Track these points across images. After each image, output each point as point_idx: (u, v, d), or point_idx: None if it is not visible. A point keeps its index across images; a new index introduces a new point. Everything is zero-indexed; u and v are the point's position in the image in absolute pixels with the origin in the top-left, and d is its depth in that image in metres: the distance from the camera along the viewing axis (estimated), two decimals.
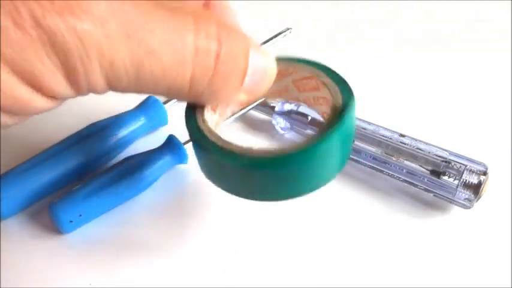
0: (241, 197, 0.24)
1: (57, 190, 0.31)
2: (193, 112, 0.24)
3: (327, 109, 0.25)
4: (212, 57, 0.19)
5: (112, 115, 0.33)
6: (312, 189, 0.23)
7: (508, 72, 0.42)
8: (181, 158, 0.31)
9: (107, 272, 0.27)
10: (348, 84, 0.24)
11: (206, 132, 0.23)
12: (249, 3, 0.51)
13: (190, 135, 0.23)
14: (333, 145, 0.22)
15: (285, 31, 0.40)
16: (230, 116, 0.27)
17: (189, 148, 0.32)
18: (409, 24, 0.48)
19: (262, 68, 0.22)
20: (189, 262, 0.28)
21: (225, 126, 0.32)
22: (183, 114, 0.24)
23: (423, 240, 0.29)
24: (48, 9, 0.15)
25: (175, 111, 0.36)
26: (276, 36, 0.40)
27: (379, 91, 0.40)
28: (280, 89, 0.26)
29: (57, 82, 0.17)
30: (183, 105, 0.39)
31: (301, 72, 0.25)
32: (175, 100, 0.35)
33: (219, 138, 0.22)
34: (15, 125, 0.18)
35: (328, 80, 0.24)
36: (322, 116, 0.26)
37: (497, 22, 0.49)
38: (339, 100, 0.23)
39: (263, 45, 0.39)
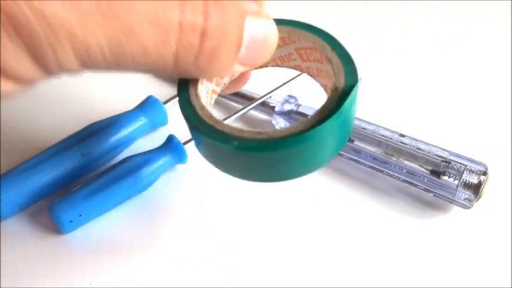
0: (232, 175, 0.23)
1: (57, 190, 0.31)
2: (186, 83, 0.22)
3: (328, 83, 0.24)
4: (197, 34, 0.17)
5: (112, 115, 0.33)
6: (305, 173, 0.22)
7: (508, 72, 0.42)
8: (181, 157, 0.31)
9: (107, 272, 0.27)
10: (353, 64, 0.22)
11: (198, 110, 0.22)
12: None
13: (182, 110, 0.22)
14: (328, 133, 0.20)
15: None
16: (228, 87, 0.26)
17: (189, 148, 0.32)
18: (409, 25, 0.48)
19: (261, 37, 0.20)
20: (189, 261, 0.28)
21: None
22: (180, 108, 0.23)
23: (423, 240, 0.29)
24: None
25: (175, 111, 0.36)
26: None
27: (379, 91, 0.40)
28: (281, 55, 0.25)
29: (23, 65, 0.16)
30: None
31: (305, 42, 0.24)
32: (175, 101, 0.35)
33: (211, 116, 0.21)
34: None
35: (333, 55, 0.23)
36: (324, 89, 0.25)
37: (497, 22, 0.49)
38: (341, 81, 0.21)
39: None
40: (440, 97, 0.40)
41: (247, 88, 0.37)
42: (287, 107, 0.34)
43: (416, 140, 0.31)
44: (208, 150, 0.22)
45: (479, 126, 0.37)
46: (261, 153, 0.20)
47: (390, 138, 0.31)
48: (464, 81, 0.41)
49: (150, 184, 0.30)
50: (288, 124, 0.34)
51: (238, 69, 0.21)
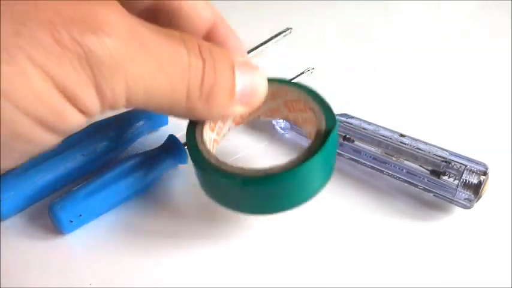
0: (236, 210, 0.27)
1: (57, 190, 0.31)
2: (193, 132, 0.27)
3: (312, 130, 0.27)
4: (199, 71, 0.22)
5: (112, 115, 0.33)
6: (299, 204, 0.26)
7: (508, 72, 0.42)
8: (181, 158, 0.31)
9: (107, 272, 0.27)
10: (332, 111, 0.27)
11: (205, 154, 0.26)
12: (249, 3, 0.51)
13: (191, 155, 0.26)
14: (315, 167, 0.25)
15: (285, 31, 0.41)
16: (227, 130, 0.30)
17: None
18: (409, 25, 0.49)
19: (251, 81, 0.25)
20: (188, 262, 0.28)
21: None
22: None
23: (423, 240, 0.29)
24: (84, 29, 0.18)
25: None
26: (276, 36, 0.40)
27: (379, 91, 0.40)
28: (273, 107, 0.30)
29: (89, 94, 0.19)
30: None
31: (291, 95, 0.29)
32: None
33: (216, 159, 0.25)
34: (51, 145, 0.19)
35: (314, 105, 0.27)
36: (308, 136, 0.29)
37: (497, 22, 0.49)
38: (323, 125, 0.26)
39: (266, 46, 0.39)
40: (441, 97, 0.40)
41: None
42: None
43: (416, 140, 0.31)
44: (214, 187, 0.26)
45: (479, 126, 0.37)
46: (261, 187, 0.24)
47: (390, 138, 0.31)
48: (464, 81, 0.42)
49: (150, 184, 0.30)
50: (288, 124, 0.34)
51: (238, 109, 0.25)
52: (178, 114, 0.24)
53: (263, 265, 0.28)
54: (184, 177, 0.32)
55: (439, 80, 0.42)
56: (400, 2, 0.51)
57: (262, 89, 0.26)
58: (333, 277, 0.27)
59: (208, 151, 0.26)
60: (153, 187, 0.31)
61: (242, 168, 0.25)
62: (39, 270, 0.27)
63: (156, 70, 0.20)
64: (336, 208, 0.31)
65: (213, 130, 0.28)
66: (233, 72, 0.24)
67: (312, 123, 0.27)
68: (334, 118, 0.26)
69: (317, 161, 0.24)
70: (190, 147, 0.26)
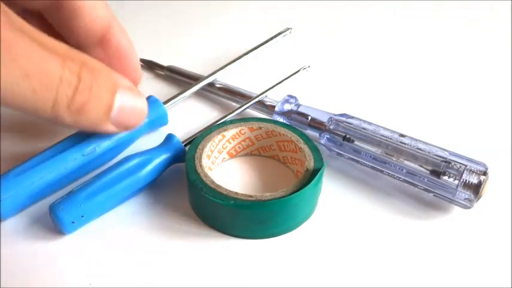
0: (226, 233, 0.29)
1: (57, 190, 0.31)
2: (193, 157, 0.30)
3: (300, 169, 0.31)
4: (71, 88, 0.24)
5: None
6: (284, 231, 0.29)
7: (508, 72, 0.42)
8: (181, 156, 0.31)
9: (107, 272, 0.27)
10: (319, 153, 0.30)
11: (202, 176, 0.29)
12: (249, 3, 0.51)
13: (189, 176, 0.29)
14: (302, 199, 0.28)
15: (285, 31, 0.41)
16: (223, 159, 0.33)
17: (188, 147, 0.32)
18: (409, 24, 0.49)
19: (130, 106, 0.27)
20: (188, 262, 0.28)
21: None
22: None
23: (423, 240, 0.29)
24: None
25: (175, 111, 0.36)
26: (276, 36, 0.40)
27: (379, 91, 0.40)
28: (265, 145, 0.33)
29: None
30: (183, 105, 0.39)
31: (284, 136, 0.32)
32: (175, 101, 0.35)
33: (212, 181, 0.28)
34: None
35: (304, 146, 0.30)
36: (296, 174, 0.32)
37: (497, 22, 0.49)
38: (311, 165, 0.29)
39: (265, 46, 0.39)
40: (441, 97, 0.40)
41: (246, 87, 0.37)
42: (287, 106, 0.34)
43: (416, 140, 0.31)
44: (207, 208, 0.29)
45: (479, 126, 0.37)
46: (250, 211, 0.27)
47: (390, 138, 0.31)
48: (464, 81, 0.42)
49: (149, 183, 0.30)
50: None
51: (112, 129, 0.27)
52: (45, 119, 0.25)
53: (263, 264, 0.28)
54: (183, 175, 0.32)
55: (438, 80, 0.42)
56: (401, 2, 0.51)
57: (141, 115, 0.28)
58: (332, 276, 0.27)
59: (205, 174, 0.29)
60: (152, 186, 0.31)
61: (236, 193, 0.28)
62: (40, 270, 0.27)
63: (20, 77, 0.22)
64: (336, 208, 0.31)
65: (209, 158, 0.31)
66: (113, 94, 0.26)
67: (301, 163, 0.31)
68: (322, 159, 0.30)
69: (304, 194, 0.28)
70: (189, 169, 0.29)
